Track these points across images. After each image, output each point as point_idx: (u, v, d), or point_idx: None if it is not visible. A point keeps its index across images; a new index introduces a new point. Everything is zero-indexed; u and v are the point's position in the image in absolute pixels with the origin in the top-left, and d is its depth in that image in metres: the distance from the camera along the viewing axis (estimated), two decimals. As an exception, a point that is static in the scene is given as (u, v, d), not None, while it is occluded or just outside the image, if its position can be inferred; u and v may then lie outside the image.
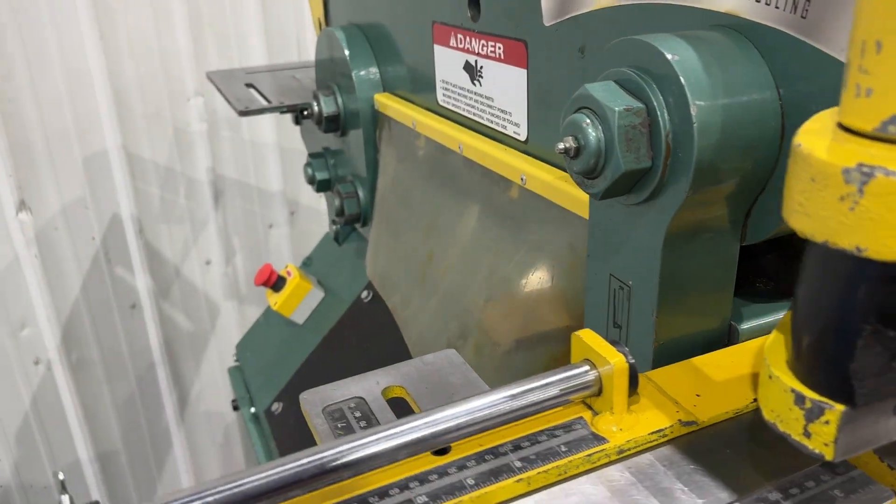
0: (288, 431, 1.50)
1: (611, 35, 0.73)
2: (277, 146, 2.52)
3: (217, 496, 0.48)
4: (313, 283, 1.67)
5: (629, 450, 0.56)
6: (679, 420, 0.57)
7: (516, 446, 0.56)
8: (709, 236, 0.63)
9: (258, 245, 2.59)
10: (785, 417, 0.44)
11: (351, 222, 1.52)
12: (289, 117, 1.66)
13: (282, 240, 2.66)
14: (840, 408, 0.41)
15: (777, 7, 0.55)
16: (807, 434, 0.43)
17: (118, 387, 2.28)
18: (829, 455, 0.42)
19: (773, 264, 0.74)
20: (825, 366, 0.41)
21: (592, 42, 0.77)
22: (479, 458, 0.55)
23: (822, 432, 0.42)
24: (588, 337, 0.58)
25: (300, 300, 1.65)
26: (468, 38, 1.02)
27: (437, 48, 1.12)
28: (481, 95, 1.02)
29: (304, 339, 1.63)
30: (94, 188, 2.08)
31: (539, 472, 0.53)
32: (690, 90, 0.55)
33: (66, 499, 0.47)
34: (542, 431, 0.57)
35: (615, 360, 0.55)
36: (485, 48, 0.98)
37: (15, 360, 2.07)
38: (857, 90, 0.36)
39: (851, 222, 0.35)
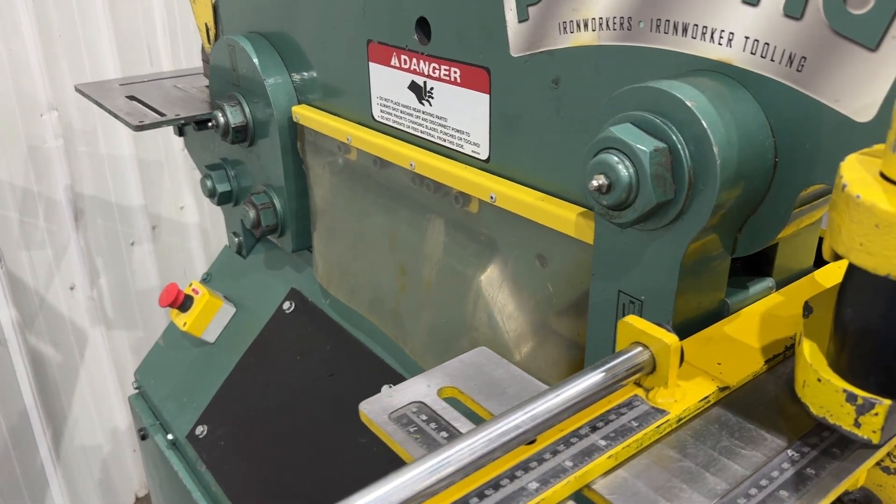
0: (218, 453, 1.46)
1: (590, 70, 0.80)
2: (135, 158, 2.40)
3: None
4: (223, 300, 1.63)
5: (685, 417, 0.64)
6: (717, 386, 0.66)
7: (593, 427, 0.62)
8: (710, 251, 0.72)
9: (122, 265, 2.46)
10: (836, 412, 0.54)
11: (268, 233, 1.50)
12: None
13: (145, 257, 2.54)
14: (888, 402, 0.52)
15: (773, 60, 0.65)
16: (857, 425, 0.53)
17: (-12, 435, 2.08)
18: (875, 439, 0.53)
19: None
20: (879, 371, 0.52)
21: (568, 74, 0.83)
22: (566, 441, 0.61)
23: (871, 422, 0.53)
24: (637, 322, 0.66)
25: (211, 318, 1.61)
26: (415, 60, 1.05)
27: (374, 66, 1.14)
28: (431, 115, 1.06)
29: (219, 358, 1.59)
30: (-55, 217, 1.89)
31: (623, 448, 0.60)
32: (712, 132, 0.63)
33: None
34: (608, 411, 0.64)
35: (670, 340, 0.63)
36: (437, 71, 1.02)
37: None
38: None
39: None
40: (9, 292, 2.04)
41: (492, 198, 0.95)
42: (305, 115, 1.33)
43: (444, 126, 1.04)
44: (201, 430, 1.51)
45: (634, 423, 0.62)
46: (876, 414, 0.52)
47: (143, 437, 1.68)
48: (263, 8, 1.40)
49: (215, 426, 1.50)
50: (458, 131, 1.02)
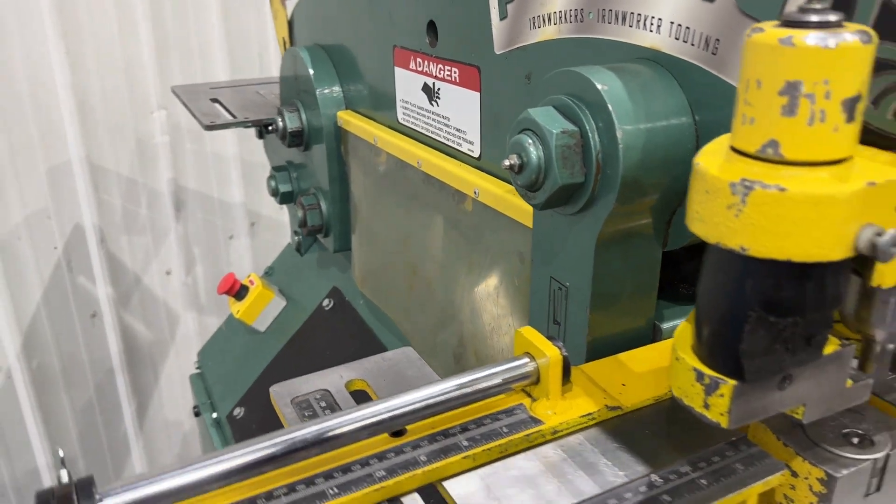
0: (250, 435, 1.55)
1: (554, 63, 0.82)
2: (239, 158, 2.57)
3: (198, 471, 0.55)
4: (275, 292, 1.73)
5: (562, 431, 0.64)
6: (606, 405, 0.66)
7: (464, 428, 0.63)
8: (635, 242, 0.72)
9: (218, 256, 2.63)
10: (689, 393, 0.52)
11: (313, 233, 1.58)
12: (251, 130, 1.72)
13: (242, 250, 2.70)
14: (732, 383, 0.49)
15: (693, 44, 0.65)
16: (706, 406, 0.51)
17: (77, 395, 2.30)
18: (724, 423, 0.51)
19: (693, 270, 0.83)
20: (719, 347, 0.50)
21: (537, 69, 0.85)
22: (432, 438, 0.63)
23: (717, 404, 0.50)
24: (528, 333, 0.66)
25: (262, 308, 1.71)
26: (426, 62, 1.10)
27: (398, 70, 1.20)
28: (438, 115, 1.11)
29: (265, 346, 1.69)
30: (58, 199, 2.11)
31: (483, 450, 0.61)
32: (617, 116, 0.64)
33: (64, 473, 0.53)
34: (487, 416, 0.65)
35: (551, 353, 0.64)
36: (442, 72, 1.07)
37: (-25, 368, 2.08)
38: (743, 119, 0.45)
39: (736, 227, 0.44)
40: (107, 270, 2.25)
41: (475, 193, 0.98)
42: (347, 119, 1.40)
43: (447, 125, 1.09)
44: (239, 412, 1.61)
45: (505, 429, 0.63)
46: (721, 395, 0.50)
47: (197, 414, 1.81)
48: (321, 21, 1.49)
49: (250, 409, 1.60)
50: (458, 130, 1.06)
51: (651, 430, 0.65)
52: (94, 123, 2.14)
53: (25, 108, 2.00)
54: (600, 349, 0.75)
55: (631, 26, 0.70)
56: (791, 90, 0.42)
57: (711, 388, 0.50)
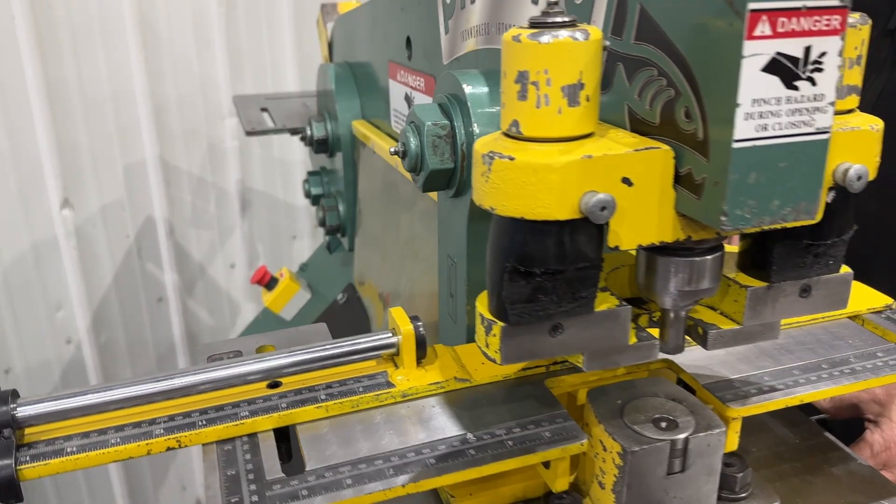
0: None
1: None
2: (305, 164, 2.76)
3: (101, 393, 0.69)
4: (302, 285, 1.88)
5: (411, 395, 0.73)
6: (455, 377, 0.75)
7: (328, 386, 0.74)
8: None
9: (281, 253, 2.82)
10: (479, 335, 0.60)
11: (332, 232, 1.73)
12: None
13: (304, 250, 2.88)
14: (500, 325, 0.57)
15: None
16: (487, 345, 0.59)
17: (140, 370, 2.53)
18: (498, 360, 0.58)
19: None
20: (491, 295, 0.58)
21: (463, 76, 0.96)
22: (298, 392, 0.74)
23: (492, 343, 0.58)
24: (396, 313, 0.77)
25: (288, 299, 1.87)
26: (406, 74, 1.22)
27: (391, 82, 1.33)
28: None
29: (289, 334, 1.84)
30: (132, 192, 2.36)
31: (335, 403, 0.71)
32: (475, 113, 0.74)
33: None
34: (352, 378, 0.76)
35: (405, 329, 0.74)
36: (415, 82, 1.19)
37: (49, 339, 2.34)
38: (501, 104, 0.54)
39: (487, 190, 0.53)
40: (174, 260, 2.48)
41: None
42: (358, 128, 1.54)
43: None
44: (258, 392, 1.77)
45: (361, 389, 0.73)
46: (494, 335, 0.57)
47: (230, 393, 1.98)
48: (347, 42, 1.64)
49: (267, 390, 1.75)
50: None
51: (490, 401, 0.73)
52: (168, 127, 2.38)
53: (107, 110, 2.25)
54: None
55: (516, 38, 0.80)
56: (522, 78, 0.51)
57: (488, 330, 0.58)
